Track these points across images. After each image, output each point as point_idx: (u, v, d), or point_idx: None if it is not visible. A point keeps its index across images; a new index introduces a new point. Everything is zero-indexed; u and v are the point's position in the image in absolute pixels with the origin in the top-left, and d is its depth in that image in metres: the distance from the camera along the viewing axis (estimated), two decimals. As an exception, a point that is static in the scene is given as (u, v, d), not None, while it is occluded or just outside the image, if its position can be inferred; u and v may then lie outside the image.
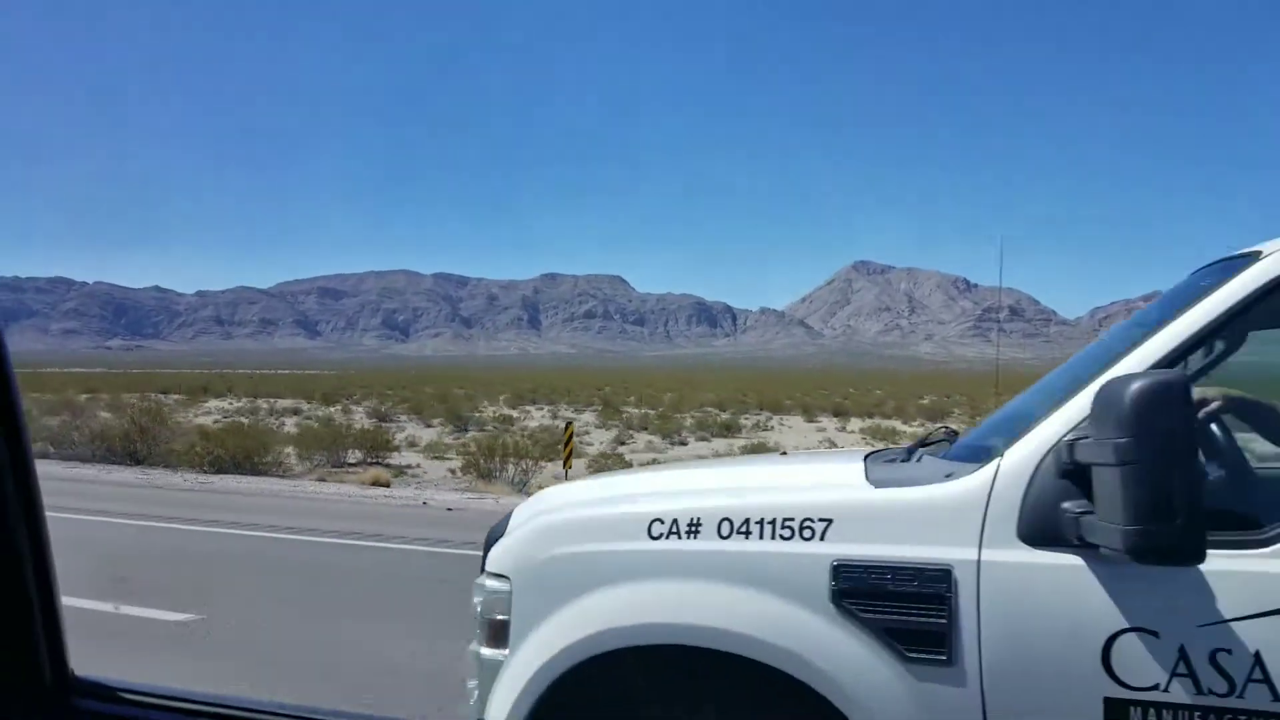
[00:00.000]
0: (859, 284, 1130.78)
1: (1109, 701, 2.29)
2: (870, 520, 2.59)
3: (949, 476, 2.59)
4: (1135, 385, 2.12)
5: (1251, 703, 2.19)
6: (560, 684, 2.74)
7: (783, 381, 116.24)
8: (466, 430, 33.64)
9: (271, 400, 51.29)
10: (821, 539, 2.58)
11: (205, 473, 18.20)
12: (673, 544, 2.74)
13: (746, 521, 2.68)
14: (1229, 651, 2.22)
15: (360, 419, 35.29)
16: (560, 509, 3.16)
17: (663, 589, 2.70)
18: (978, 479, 2.51)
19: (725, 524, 2.70)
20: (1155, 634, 2.27)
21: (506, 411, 44.78)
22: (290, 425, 31.89)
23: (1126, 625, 2.30)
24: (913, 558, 2.47)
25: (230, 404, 49.49)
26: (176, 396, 50.47)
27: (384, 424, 32.75)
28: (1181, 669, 2.25)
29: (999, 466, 2.49)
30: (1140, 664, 2.27)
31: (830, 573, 2.52)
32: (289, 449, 21.35)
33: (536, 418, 41.41)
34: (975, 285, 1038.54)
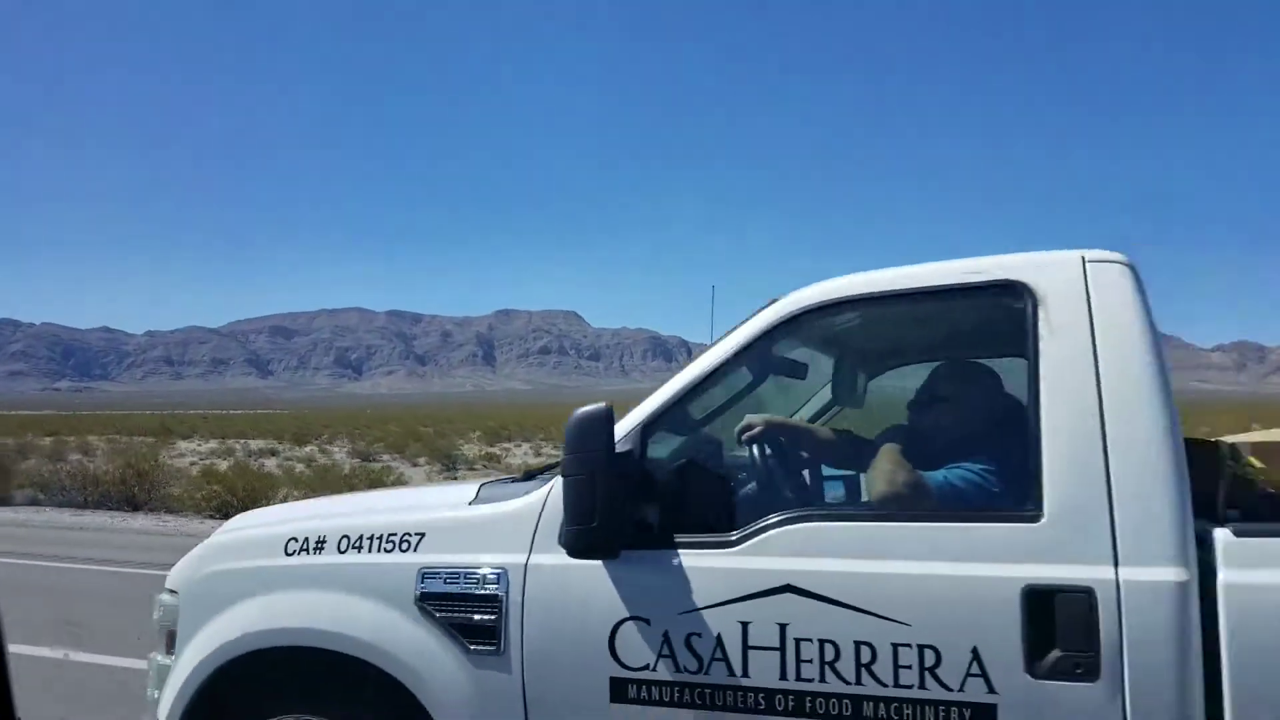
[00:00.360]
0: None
1: (613, 680, 2.73)
2: (454, 533, 3.05)
3: (526, 494, 3.02)
4: (572, 416, 2.71)
5: (714, 678, 2.63)
6: (208, 685, 3.18)
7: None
8: (455, 469, 33.00)
9: (242, 441, 50.14)
10: (415, 550, 3.04)
11: (216, 518, 17.50)
12: (302, 559, 3.20)
13: (361, 538, 3.14)
14: (699, 635, 2.65)
15: (342, 459, 34.52)
16: (230, 531, 3.66)
17: (292, 598, 3.16)
18: (539, 495, 2.96)
19: (344, 540, 3.16)
20: (647, 621, 2.71)
21: (488, 449, 44.09)
22: (271, 466, 31.09)
23: (627, 615, 2.73)
24: (477, 563, 2.93)
25: (199, 445, 48.32)
26: (143, 438, 49.16)
27: (367, 463, 32.06)
28: (665, 651, 2.68)
29: (554, 483, 2.93)
30: (635, 648, 2.71)
31: (416, 579, 2.98)
32: (295, 492, 20.63)
33: (518, 455, 40.83)
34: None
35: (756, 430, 3.08)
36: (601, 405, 2.72)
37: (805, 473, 3.36)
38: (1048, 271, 2.69)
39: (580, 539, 2.70)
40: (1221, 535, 2.41)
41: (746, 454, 3.12)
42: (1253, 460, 3.14)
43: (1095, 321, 2.60)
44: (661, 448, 3.09)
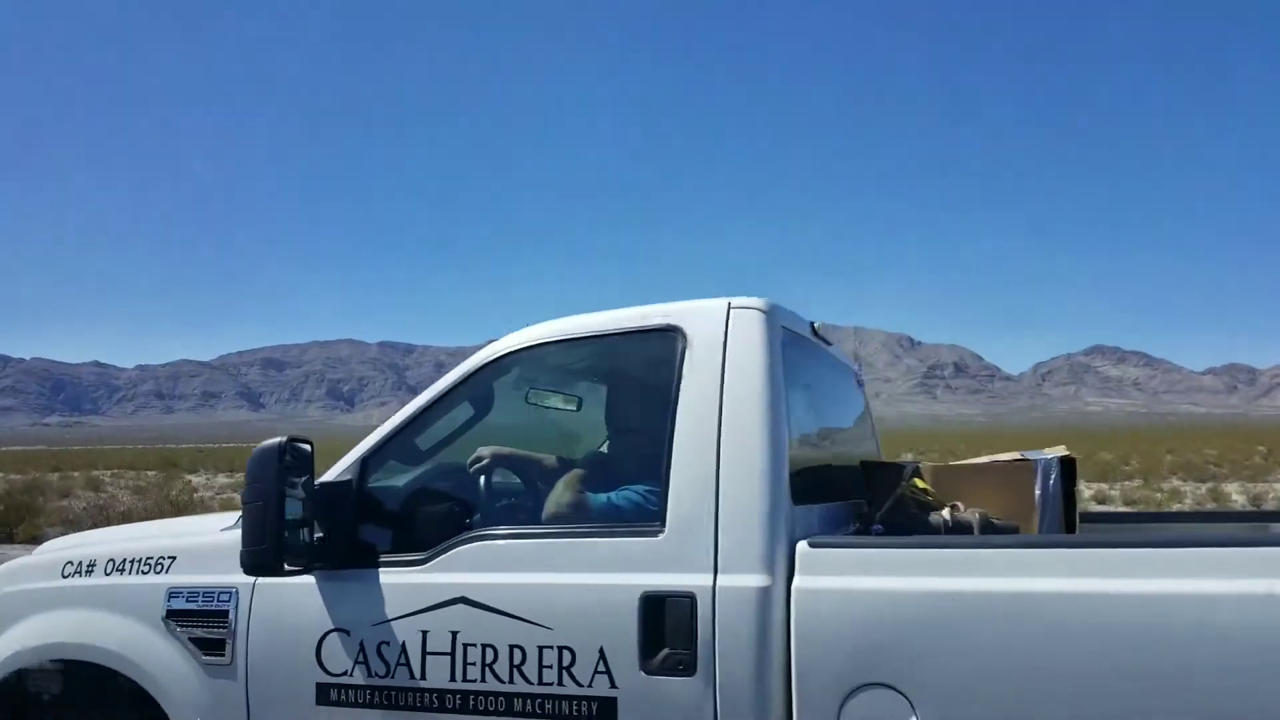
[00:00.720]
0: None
1: (318, 686, 3.08)
2: (200, 556, 3.40)
3: None
4: (254, 449, 3.06)
5: (398, 681, 2.99)
6: None
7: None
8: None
9: (252, 474, 48.74)
10: (166, 572, 3.37)
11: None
12: (75, 581, 3.52)
13: (124, 561, 3.47)
14: (388, 643, 3.01)
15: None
16: (34, 555, 4.01)
17: (64, 617, 3.48)
18: None
19: (110, 564, 3.50)
20: (347, 632, 3.07)
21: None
22: (293, 500, 30.05)
23: (332, 627, 3.09)
24: (212, 583, 3.27)
25: (209, 479, 47.08)
26: (149, 472, 47.99)
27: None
28: (361, 658, 3.04)
29: None
30: (337, 656, 3.07)
31: (164, 598, 3.31)
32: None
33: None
34: (919, 343, 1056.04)
35: (484, 461, 3.38)
36: (277, 440, 3.03)
37: (520, 496, 3.59)
38: (698, 317, 3.07)
39: (252, 559, 2.97)
40: (801, 546, 2.76)
41: (478, 482, 3.41)
42: (917, 481, 3.47)
43: (727, 361, 2.95)
44: (399, 477, 3.47)
